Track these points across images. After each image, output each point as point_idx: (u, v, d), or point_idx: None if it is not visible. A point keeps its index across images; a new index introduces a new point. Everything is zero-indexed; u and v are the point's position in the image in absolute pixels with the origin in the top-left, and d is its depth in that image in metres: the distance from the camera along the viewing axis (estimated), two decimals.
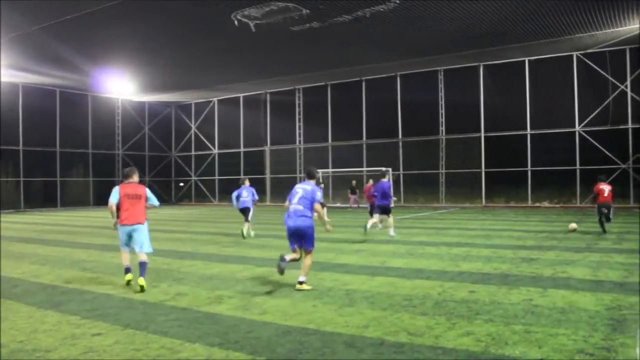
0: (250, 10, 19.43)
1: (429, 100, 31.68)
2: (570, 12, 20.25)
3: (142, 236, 8.21)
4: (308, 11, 19.54)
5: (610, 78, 26.69)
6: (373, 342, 5.12)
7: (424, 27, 21.56)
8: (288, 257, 7.65)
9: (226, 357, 4.79)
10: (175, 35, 22.99)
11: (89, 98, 37.38)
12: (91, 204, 36.73)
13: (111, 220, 8.60)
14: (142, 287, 7.73)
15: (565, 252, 11.11)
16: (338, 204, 32.58)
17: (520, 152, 29.15)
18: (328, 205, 26.02)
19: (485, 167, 30.04)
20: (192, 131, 42.82)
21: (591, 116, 27.25)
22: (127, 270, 8.19)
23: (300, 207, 7.80)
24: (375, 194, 15.22)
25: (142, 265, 7.98)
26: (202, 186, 42.31)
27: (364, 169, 32.34)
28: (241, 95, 39.42)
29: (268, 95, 38.63)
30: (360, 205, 28.93)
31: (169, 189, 43.74)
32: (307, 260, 7.81)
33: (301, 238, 7.79)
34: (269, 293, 7.49)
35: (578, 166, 27.58)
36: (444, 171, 31.50)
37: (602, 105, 26.98)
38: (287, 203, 8.12)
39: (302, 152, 37.05)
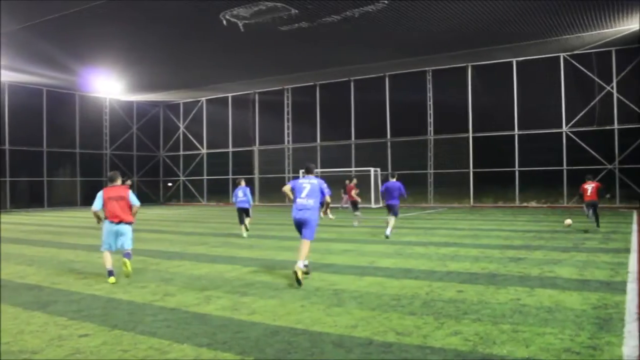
0: (238, 10, 19.40)
1: (417, 101, 31.81)
2: (557, 14, 20.46)
3: (126, 236, 8.65)
4: (297, 11, 19.53)
5: (596, 79, 27.01)
6: (361, 342, 5.12)
7: (412, 27, 21.65)
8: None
9: (214, 357, 4.77)
10: (164, 34, 22.83)
11: (77, 97, 37.08)
12: (78, 204, 36.39)
13: (97, 222, 9.01)
14: (126, 265, 8.38)
15: (552, 251, 11.19)
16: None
17: (508, 153, 29.39)
18: None
19: (474, 167, 30.22)
20: (181, 131, 42.62)
21: (578, 117, 27.55)
22: (110, 274, 8.40)
23: (310, 202, 8.39)
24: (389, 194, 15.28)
25: (127, 255, 8.56)
26: (190, 186, 42.14)
27: (353, 169, 32.34)
28: (230, 95, 39.32)
29: (257, 95, 38.55)
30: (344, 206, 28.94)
31: (157, 189, 43.54)
32: (305, 248, 8.23)
33: (304, 227, 8.33)
34: (257, 293, 7.46)
35: (565, 166, 27.84)
36: (432, 171, 31.65)
37: (589, 106, 27.29)
38: (288, 188, 8.62)
39: (290, 152, 37.04)
